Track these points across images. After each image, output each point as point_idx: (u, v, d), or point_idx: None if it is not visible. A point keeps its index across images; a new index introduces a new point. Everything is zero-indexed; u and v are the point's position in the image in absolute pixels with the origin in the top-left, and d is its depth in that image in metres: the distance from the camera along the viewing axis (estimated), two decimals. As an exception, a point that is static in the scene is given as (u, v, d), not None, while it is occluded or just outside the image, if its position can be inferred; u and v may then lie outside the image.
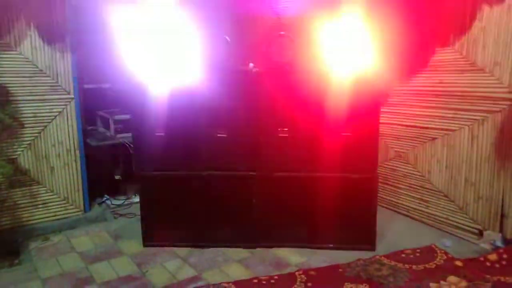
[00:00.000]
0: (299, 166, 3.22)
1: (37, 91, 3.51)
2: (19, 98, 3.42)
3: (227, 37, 3.15)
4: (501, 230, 3.22)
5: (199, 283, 2.81)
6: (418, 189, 3.81)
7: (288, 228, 3.31)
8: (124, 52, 3.14)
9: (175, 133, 3.21)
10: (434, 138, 3.62)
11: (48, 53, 3.53)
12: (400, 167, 3.97)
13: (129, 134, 3.70)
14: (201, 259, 3.16)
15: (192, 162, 3.26)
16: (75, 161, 3.78)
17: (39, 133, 3.58)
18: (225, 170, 3.26)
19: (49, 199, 3.69)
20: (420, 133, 3.72)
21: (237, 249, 3.28)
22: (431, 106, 3.59)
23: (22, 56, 3.42)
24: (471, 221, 3.40)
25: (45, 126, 3.60)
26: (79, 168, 3.81)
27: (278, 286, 2.74)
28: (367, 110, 3.10)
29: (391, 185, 4.07)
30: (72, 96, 3.69)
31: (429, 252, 3.16)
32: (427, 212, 3.74)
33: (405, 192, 3.94)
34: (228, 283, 2.77)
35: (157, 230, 3.35)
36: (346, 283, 2.74)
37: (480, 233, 3.35)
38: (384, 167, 4.06)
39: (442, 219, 3.61)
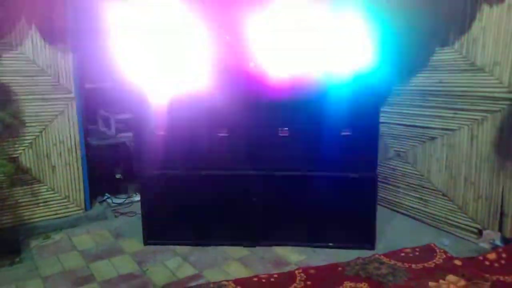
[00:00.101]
0: (299, 165, 3.23)
1: (38, 91, 3.53)
2: (21, 97, 3.44)
3: (227, 36, 3.15)
4: (500, 229, 3.23)
5: (200, 281, 2.82)
6: (418, 188, 3.82)
7: (288, 226, 3.32)
8: (125, 51, 3.15)
9: (176, 133, 3.22)
10: (433, 138, 3.63)
11: (49, 52, 3.55)
12: (399, 167, 3.97)
13: (130, 133, 3.72)
14: (201, 257, 3.17)
15: (192, 161, 3.27)
16: (76, 160, 3.80)
17: (40, 132, 3.59)
18: (226, 169, 3.27)
19: (50, 197, 3.70)
20: (420, 132, 3.73)
21: (237, 247, 3.30)
22: (430, 106, 3.59)
23: (23, 56, 3.44)
24: (470, 220, 3.41)
25: (46, 125, 3.61)
26: (80, 167, 3.83)
27: (278, 285, 2.75)
28: (367, 109, 3.10)
29: (390, 184, 4.08)
30: (73, 95, 3.70)
31: (428, 251, 3.17)
32: (426, 211, 3.75)
33: (404, 191, 3.95)
34: (228, 281, 2.78)
35: (158, 229, 3.36)
36: (345, 282, 2.75)
37: (480, 232, 3.36)
38: (384, 166, 4.06)
39: (441, 218, 3.62)
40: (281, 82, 3.15)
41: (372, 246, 3.24)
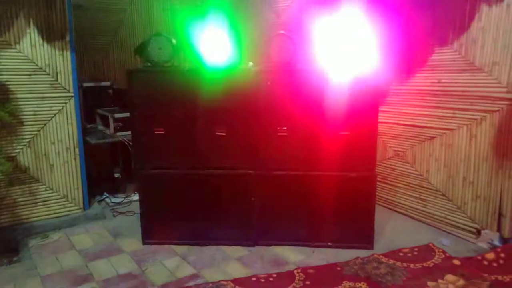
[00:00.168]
0: (298, 164, 3.23)
1: (37, 89, 3.52)
2: (19, 96, 3.43)
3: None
4: (498, 229, 3.23)
5: (198, 281, 2.82)
6: (416, 188, 3.82)
7: (286, 226, 3.32)
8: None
9: (174, 132, 3.22)
10: (432, 137, 3.63)
11: (47, 51, 3.53)
12: (398, 166, 3.98)
13: (129, 132, 3.71)
14: (200, 257, 3.17)
15: (191, 160, 3.27)
16: (75, 159, 3.79)
17: (39, 131, 3.58)
18: (224, 168, 3.27)
19: (49, 197, 3.70)
20: (419, 132, 3.73)
21: (236, 247, 3.30)
22: (429, 106, 3.60)
23: (22, 54, 3.43)
24: (469, 220, 3.41)
25: (45, 124, 3.60)
26: (78, 166, 3.82)
27: (277, 284, 2.75)
28: (365, 109, 3.10)
29: (389, 184, 4.08)
30: (72, 94, 3.69)
31: (427, 250, 3.17)
32: (425, 211, 3.75)
33: (403, 191, 3.96)
34: (226, 281, 2.78)
35: (156, 228, 3.36)
36: (344, 282, 2.75)
37: (478, 232, 3.37)
38: (383, 166, 4.07)
39: (440, 218, 3.63)
40: (281, 81, 3.15)
41: (370, 246, 3.24)
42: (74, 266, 3.05)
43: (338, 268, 2.93)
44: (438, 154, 3.60)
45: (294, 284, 2.74)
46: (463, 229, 3.45)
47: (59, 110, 3.65)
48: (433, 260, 3.02)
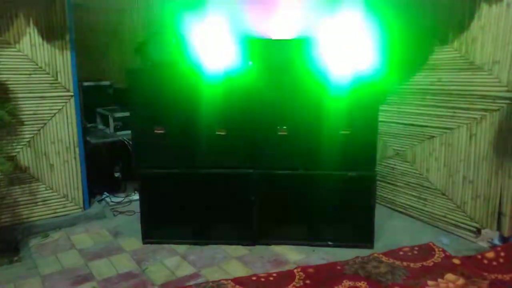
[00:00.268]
0: (298, 164, 3.23)
1: (37, 89, 3.51)
2: (19, 95, 3.42)
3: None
4: (498, 228, 3.24)
5: (198, 280, 2.82)
6: (416, 187, 3.83)
7: (287, 225, 3.32)
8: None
9: (174, 131, 3.22)
10: (432, 137, 3.63)
11: (47, 50, 3.53)
12: (398, 165, 3.98)
13: (129, 132, 3.71)
14: (200, 256, 3.17)
15: (191, 159, 3.27)
16: (75, 158, 3.79)
17: (39, 130, 3.58)
18: (224, 167, 3.27)
19: (49, 196, 3.69)
20: (419, 131, 3.73)
21: (236, 246, 3.30)
22: (429, 105, 3.60)
23: (22, 53, 3.42)
24: (469, 219, 3.41)
25: (45, 124, 3.60)
26: (78, 165, 3.82)
27: (277, 283, 2.75)
28: (366, 108, 3.10)
29: (389, 183, 4.08)
30: (72, 93, 3.69)
31: (427, 250, 3.17)
32: (425, 210, 3.75)
33: (403, 190, 3.96)
34: (227, 280, 2.78)
35: (157, 228, 3.36)
36: (344, 281, 2.75)
37: (478, 231, 3.37)
38: (383, 165, 4.07)
39: (440, 217, 3.63)
40: (280, 80, 3.15)
41: (371, 245, 3.25)
42: (74, 265, 3.05)
43: (338, 267, 2.93)
44: (438, 153, 3.61)
45: (294, 283, 2.74)
46: (463, 228, 3.45)
47: (59, 109, 3.65)
48: (433, 259, 3.03)
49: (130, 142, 3.86)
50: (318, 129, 3.16)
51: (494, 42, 3.10)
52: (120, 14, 5.10)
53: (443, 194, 3.60)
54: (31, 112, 3.51)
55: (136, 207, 3.66)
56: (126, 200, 4.30)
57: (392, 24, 3.63)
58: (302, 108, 3.14)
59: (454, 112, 3.43)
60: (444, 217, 3.59)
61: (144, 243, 3.36)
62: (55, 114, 3.64)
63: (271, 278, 2.81)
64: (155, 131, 3.21)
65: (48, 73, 3.55)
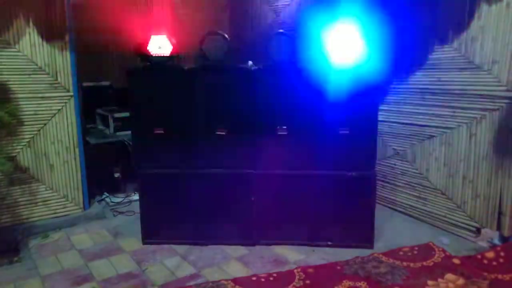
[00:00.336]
0: (298, 164, 3.23)
1: (37, 89, 3.52)
2: (19, 96, 3.43)
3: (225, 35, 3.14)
4: (498, 228, 3.23)
5: (198, 281, 2.82)
6: (416, 187, 3.82)
7: (286, 226, 3.32)
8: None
9: (174, 131, 3.22)
10: (432, 136, 3.63)
11: (47, 50, 3.53)
12: (398, 165, 3.98)
13: (129, 132, 3.71)
14: (200, 256, 3.17)
15: (191, 159, 3.27)
16: (75, 159, 3.79)
17: (39, 131, 3.58)
18: (224, 167, 3.27)
19: (49, 196, 3.70)
20: (418, 131, 3.73)
21: (236, 246, 3.30)
22: (429, 104, 3.59)
23: (21, 54, 3.43)
24: (468, 219, 3.41)
25: (45, 124, 3.60)
26: (78, 166, 3.82)
27: (277, 284, 2.75)
28: (365, 107, 3.10)
29: (389, 183, 4.08)
30: (72, 93, 3.69)
31: (427, 249, 3.17)
32: (425, 210, 3.75)
33: (403, 190, 3.96)
34: (227, 280, 2.78)
35: (157, 228, 3.36)
36: (344, 281, 2.75)
37: (478, 231, 3.37)
38: (382, 164, 4.07)
39: (440, 217, 3.63)
40: (280, 80, 3.15)
41: (370, 245, 3.25)
42: (74, 265, 3.05)
43: (338, 268, 2.93)
44: (438, 153, 3.60)
45: (294, 283, 2.74)
46: (463, 228, 3.45)
47: (59, 110, 3.65)
48: (433, 259, 3.02)
49: (130, 143, 3.86)
50: (318, 129, 3.15)
51: (494, 41, 3.09)
52: (121, 13, 5.09)
53: (443, 194, 3.60)
54: (31, 113, 3.51)
55: (136, 207, 3.66)
56: (126, 200, 4.30)
57: (392, 24, 3.62)
58: (302, 108, 3.13)
59: (454, 112, 3.42)
60: (444, 216, 3.59)
61: (144, 243, 3.36)
62: (55, 114, 3.64)
63: (271, 278, 2.81)
64: (155, 131, 3.21)
65: (48, 74, 3.55)
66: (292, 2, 4.68)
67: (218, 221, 3.33)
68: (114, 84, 4.82)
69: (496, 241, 3.24)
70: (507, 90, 3.06)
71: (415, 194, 3.84)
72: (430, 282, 2.71)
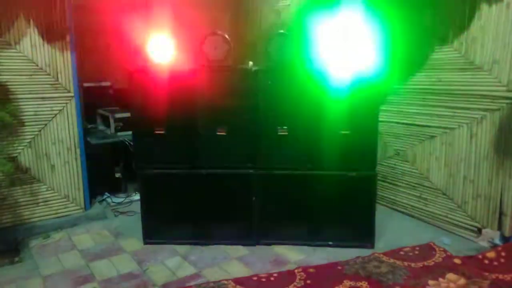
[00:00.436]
0: (299, 164, 3.23)
1: (37, 90, 3.52)
2: (19, 96, 3.43)
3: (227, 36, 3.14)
4: (499, 228, 3.23)
5: (199, 281, 2.82)
6: (417, 187, 3.82)
7: (287, 225, 3.32)
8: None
9: (175, 131, 3.22)
10: (433, 136, 3.63)
11: (48, 51, 3.53)
12: (399, 165, 3.98)
13: (129, 132, 3.72)
14: (201, 256, 3.17)
15: (192, 160, 3.27)
16: (76, 159, 3.79)
17: (40, 131, 3.59)
18: (225, 168, 3.27)
19: (50, 197, 3.70)
20: (419, 131, 3.73)
21: (236, 246, 3.30)
22: (430, 105, 3.60)
23: (22, 54, 3.43)
24: (469, 219, 3.41)
25: (46, 124, 3.61)
26: (79, 166, 3.82)
27: (278, 284, 2.75)
28: (366, 108, 3.10)
29: (390, 183, 4.08)
30: (72, 94, 3.70)
31: (427, 249, 3.17)
32: (425, 210, 3.75)
33: (404, 190, 3.96)
34: (227, 280, 2.79)
35: (157, 228, 3.37)
36: (345, 281, 2.75)
37: (479, 231, 3.37)
38: (383, 165, 4.07)
39: (440, 217, 3.63)
40: (280, 80, 3.15)
41: (371, 245, 3.25)
42: (75, 266, 3.05)
43: (339, 267, 2.93)
44: (438, 153, 3.61)
45: (295, 283, 2.74)
46: (464, 228, 3.45)
47: (60, 110, 3.66)
48: (434, 259, 3.03)
49: (131, 143, 3.87)
50: (318, 129, 3.16)
51: (494, 42, 3.09)
52: (120, 14, 5.09)
53: (444, 194, 3.60)
54: (32, 113, 3.52)
55: (137, 207, 3.67)
56: (127, 200, 4.30)
57: (393, 24, 3.62)
58: (302, 108, 3.14)
59: (454, 112, 3.43)
60: (445, 217, 3.59)
61: (145, 243, 3.37)
62: (56, 115, 3.64)
63: (272, 278, 2.81)
64: (156, 131, 3.22)
65: (48, 74, 3.56)
66: (292, 3, 4.68)
67: (219, 221, 3.34)
68: (115, 84, 4.82)
69: (497, 241, 3.24)
70: (508, 90, 3.06)
71: (416, 194, 3.84)
72: (431, 282, 2.71)
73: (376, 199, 3.26)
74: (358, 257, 3.06)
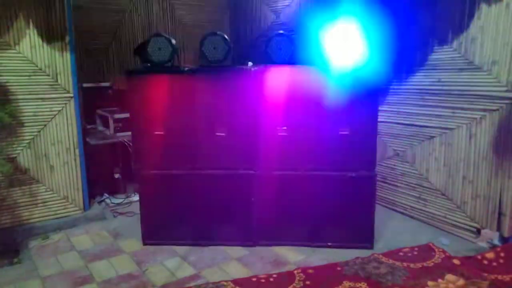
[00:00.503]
0: (298, 164, 3.23)
1: (37, 90, 3.52)
2: (19, 97, 3.43)
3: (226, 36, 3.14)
4: (498, 228, 3.23)
5: (199, 282, 2.82)
6: (416, 187, 3.82)
7: (287, 226, 3.32)
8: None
9: (174, 132, 3.22)
10: (432, 137, 3.63)
11: (47, 51, 3.53)
12: (398, 166, 3.98)
13: (129, 133, 3.72)
14: (200, 257, 3.17)
15: (191, 160, 3.27)
16: (75, 160, 3.79)
17: (39, 132, 3.58)
18: (224, 168, 3.27)
19: (49, 197, 3.70)
20: (418, 131, 3.73)
21: (236, 247, 3.30)
22: (429, 105, 3.60)
23: (21, 55, 3.43)
24: (469, 219, 3.41)
25: (45, 125, 3.60)
26: (78, 166, 3.82)
27: (277, 284, 2.75)
28: (365, 108, 3.11)
29: (389, 184, 4.08)
30: (72, 95, 3.69)
31: (427, 250, 3.17)
32: (425, 211, 3.75)
33: (403, 191, 3.96)
34: (227, 281, 2.78)
35: (157, 229, 3.36)
36: (344, 282, 2.75)
37: (478, 232, 3.37)
38: (382, 165, 4.07)
39: (440, 218, 3.63)
40: (280, 81, 3.15)
41: (371, 246, 3.25)
42: (74, 267, 3.05)
43: (338, 268, 2.93)
44: (438, 153, 3.60)
45: (294, 284, 2.74)
46: (463, 228, 3.45)
47: (59, 111, 3.65)
48: (433, 260, 3.02)
49: (130, 143, 3.86)
50: (318, 130, 3.16)
51: (493, 42, 3.10)
52: (120, 14, 5.10)
53: (443, 194, 3.60)
54: (31, 114, 3.52)
55: (136, 208, 3.66)
56: (126, 201, 4.30)
57: (392, 25, 3.62)
58: (302, 108, 3.14)
59: (454, 112, 3.43)
60: (444, 217, 3.59)
61: (144, 244, 3.37)
62: (55, 115, 3.64)
63: (271, 279, 2.81)
64: (155, 132, 3.21)
65: (48, 75, 3.56)
66: (292, 3, 4.68)
67: (218, 222, 3.33)
68: (114, 85, 4.82)
69: (496, 241, 3.24)
70: (507, 91, 3.06)
71: (415, 194, 3.84)
72: (430, 283, 2.71)
73: (375, 199, 3.26)
74: (357, 258, 3.06)
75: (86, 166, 3.89)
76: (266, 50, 3.18)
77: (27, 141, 3.54)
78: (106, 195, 4.34)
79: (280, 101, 3.16)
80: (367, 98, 3.11)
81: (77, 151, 3.79)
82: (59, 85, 3.62)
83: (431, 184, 3.69)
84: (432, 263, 2.98)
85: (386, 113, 3.92)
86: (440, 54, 3.48)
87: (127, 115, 3.96)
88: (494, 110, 3.16)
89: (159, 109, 3.21)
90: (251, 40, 5.22)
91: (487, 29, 3.12)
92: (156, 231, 3.36)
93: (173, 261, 3.12)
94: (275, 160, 3.23)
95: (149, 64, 3.18)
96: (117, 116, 4.29)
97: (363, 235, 3.26)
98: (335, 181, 3.20)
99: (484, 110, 3.22)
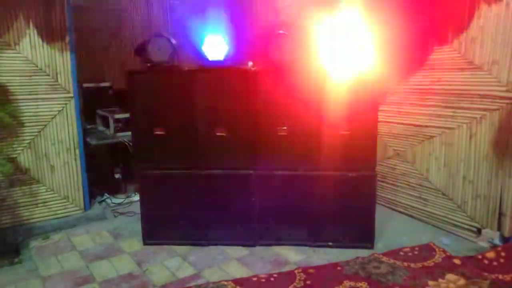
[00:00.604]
0: (298, 164, 3.23)
1: (37, 90, 3.52)
2: (19, 97, 3.43)
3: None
4: (499, 228, 3.23)
5: (199, 281, 2.82)
6: (417, 187, 3.82)
7: (287, 226, 3.32)
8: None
9: (174, 132, 3.22)
10: (432, 136, 3.63)
11: (47, 52, 3.53)
12: (398, 165, 3.98)
13: (129, 133, 3.72)
14: (200, 257, 3.17)
15: (191, 160, 3.27)
16: (75, 160, 3.79)
17: (39, 132, 3.59)
18: (225, 168, 3.27)
19: (49, 197, 3.70)
20: (419, 131, 3.73)
21: (236, 247, 3.30)
22: (429, 105, 3.60)
23: (21, 55, 3.43)
24: (469, 219, 3.41)
25: (45, 125, 3.61)
26: (79, 166, 3.82)
27: (277, 284, 2.75)
28: (365, 108, 3.10)
29: (389, 183, 4.08)
30: (72, 95, 3.70)
31: (427, 250, 3.17)
32: (425, 210, 3.75)
33: (403, 190, 3.96)
34: (227, 281, 2.78)
35: (157, 229, 3.36)
36: (345, 281, 2.75)
37: (478, 231, 3.37)
38: (383, 165, 4.07)
39: (440, 217, 3.63)
40: (280, 81, 3.15)
41: (371, 245, 3.25)
42: (75, 267, 3.05)
43: (339, 268, 2.93)
44: (438, 153, 3.60)
45: (295, 284, 2.74)
46: (463, 228, 3.45)
47: (59, 111, 3.66)
48: (433, 260, 3.02)
49: (130, 143, 3.86)
50: (318, 129, 3.16)
51: (493, 42, 3.09)
52: (120, 14, 5.10)
53: (444, 194, 3.60)
54: (31, 114, 3.52)
55: (136, 208, 3.66)
56: (126, 201, 4.30)
57: (392, 24, 3.62)
58: (302, 108, 3.13)
59: (454, 112, 3.43)
60: (445, 217, 3.59)
61: (145, 244, 3.37)
62: (55, 115, 3.64)
63: (272, 279, 2.81)
64: (155, 132, 3.22)
65: (48, 75, 3.56)
66: (292, 2, 4.68)
67: (218, 222, 3.33)
68: (114, 85, 4.82)
69: (497, 241, 3.24)
70: (507, 90, 3.06)
71: (416, 194, 3.84)
72: (430, 283, 2.71)
73: (375, 199, 3.26)
74: (358, 257, 3.06)
75: (86, 166, 3.89)
76: (267, 50, 3.17)
77: (28, 141, 3.54)
78: (106, 195, 4.34)
79: (281, 101, 3.15)
80: (368, 97, 3.10)
81: (77, 151, 3.79)
82: (59, 85, 3.62)
83: (431, 184, 3.69)
84: (433, 263, 2.98)
85: (386, 113, 3.91)
86: (440, 54, 3.48)
87: (127, 115, 3.96)
88: (494, 110, 3.16)
89: (159, 109, 3.21)
90: (251, 39, 5.22)
91: (487, 29, 3.12)
92: (157, 231, 3.37)
93: (173, 261, 3.12)
94: (276, 159, 3.23)
95: (149, 64, 3.19)
96: (117, 116, 4.29)
97: (364, 235, 3.26)
98: (335, 180, 3.19)
99: (484, 109, 3.22)
